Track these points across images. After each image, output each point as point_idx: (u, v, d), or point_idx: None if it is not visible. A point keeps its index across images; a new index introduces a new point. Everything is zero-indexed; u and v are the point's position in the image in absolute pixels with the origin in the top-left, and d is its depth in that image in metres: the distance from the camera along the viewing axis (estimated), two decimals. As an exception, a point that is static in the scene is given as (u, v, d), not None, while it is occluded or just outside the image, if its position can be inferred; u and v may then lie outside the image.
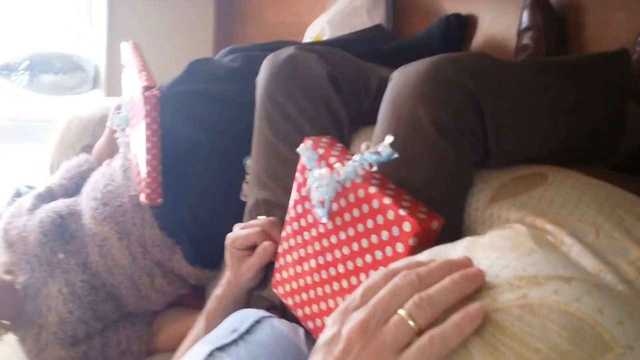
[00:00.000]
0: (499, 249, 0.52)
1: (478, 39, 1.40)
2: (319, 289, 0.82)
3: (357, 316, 0.49)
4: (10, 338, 1.38)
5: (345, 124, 1.01)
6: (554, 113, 0.77)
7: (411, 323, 0.47)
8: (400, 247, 0.68)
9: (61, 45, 2.46)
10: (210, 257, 1.33)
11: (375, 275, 0.53)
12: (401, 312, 0.48)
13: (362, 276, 0.74)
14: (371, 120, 0.89)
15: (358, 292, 0.52)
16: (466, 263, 0.51)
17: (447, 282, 0.48)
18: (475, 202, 0.74)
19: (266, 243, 0.94)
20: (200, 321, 1.06)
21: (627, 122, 0.86)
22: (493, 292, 0.47)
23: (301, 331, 0.86)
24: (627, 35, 1.10)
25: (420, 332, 0.47)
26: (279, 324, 0.84)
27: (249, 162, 1.19)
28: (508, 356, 0.43)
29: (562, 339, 0.43)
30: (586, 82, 0.82)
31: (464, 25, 1.42)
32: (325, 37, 1.63)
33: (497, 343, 0.44)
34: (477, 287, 0.48)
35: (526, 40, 1.20)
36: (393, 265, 0.53)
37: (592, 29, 1.15)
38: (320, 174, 0.76)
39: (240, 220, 1.08)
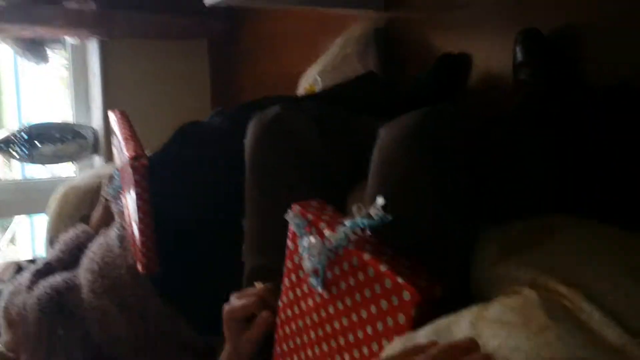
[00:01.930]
0: (508, 325, 0.47)
1: (474, 77, 1.36)
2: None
3: None
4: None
5: (338, 181, 0.96)
6: (550, 160, 0.73)
7: None
8: (401, 319, 0.63)
9: (59, 115, 2.47)
10: (214, 322, 1.28)
11: None
12: None
13: (365, 349, 0.68)
14: (366, 174, 0.84)
15: None
16: (471, 346, 0.45)
17: None
18: (481, 260, 0.68)
19: (264, 313, 0.88)
20: None
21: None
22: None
23: None
24: (626, 62, 1.06)
25: None
26: None
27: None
28: None
29: None
30: (581, 123, 0.77)
31: (456, 66, 1.38)
32: (318, 88, 1.60)
33: None
34: None
35: (523, 75, 1.15)
36: (388, 353, 0.48)
37: (592, 57, 1.11)
38: (310, 244, 0.71)
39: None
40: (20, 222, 3.46)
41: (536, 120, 0.79)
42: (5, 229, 3.66)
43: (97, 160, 2.40)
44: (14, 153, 2.20)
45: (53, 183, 2.36)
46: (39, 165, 2.30)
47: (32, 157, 2.21)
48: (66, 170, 2.51)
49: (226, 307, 0.94)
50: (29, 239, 3.29)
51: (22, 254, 3.85)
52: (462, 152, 0.68)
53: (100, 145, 2.35)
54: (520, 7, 1.25)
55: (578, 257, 0.59)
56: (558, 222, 0.67)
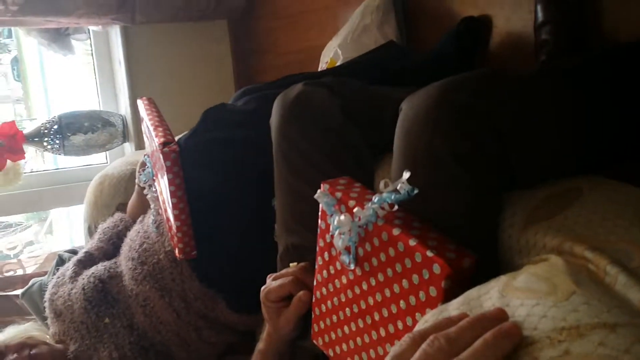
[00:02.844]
0: (536, 293, 0.48)
1: (495, 40, 1.34)
2: (358, 339, 0.78)
3: None
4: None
5: (365, 156, 0.97)
6: (575, 120, 0.72)
7: None
8: (433, 292, 0.64)
9: (86, 102, 2.50)
10: (254, 302, 1.31)
11: (402, 341, 0.48)
12: None
13: (399, 324, 0.70)
14: (391, 147, 0.85)
15: None
16: (500, 316, 0.46)
17: (480, 345, 0.44)
18: (509, 228, 0.68)
19: (301, 293, 0.90)
20: None
21: None
22: (532, 350, 0.43)
23: None
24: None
25: None
26: None
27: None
28: None
29: (615, 401, 0.38)
30: (605, 80, 0.76)
31: (477, 29, 1.36)
32: (339, 61, 1.60)
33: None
34: (513, 345, 0.44)
35: (544, 35, 1.14)
36: (420, 327, 0.49)
37: (613, 14, 1.08)
38: (340, 221, 0.72)
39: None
40: (56, 213, 3.53)
41: (560, 79, 0.77)
42: (43, 220, 3.75)
43: (128, 147, 2.44)
44: (46, 145, 2.24)
45: (86, 172, 2.42)
46: (70, 157, 2.33)
47: (63, 148, 2.25)
48: (98, 159, 2.55)
49: (263, 289, 0.96)
50: (65, 228, 3.36)
51: (60, 244, 3.95)
52: (485, 120, 0.68)
53: (130, 132, 2.38)
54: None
55: (603, 220, 0.59)
56: (583, 184, 0.67)
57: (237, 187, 1.27)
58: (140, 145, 2.32)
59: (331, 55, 1.62)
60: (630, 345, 0.40)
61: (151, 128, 1.25)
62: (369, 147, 0.98)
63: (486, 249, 0.68)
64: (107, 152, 2.46)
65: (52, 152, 2.26)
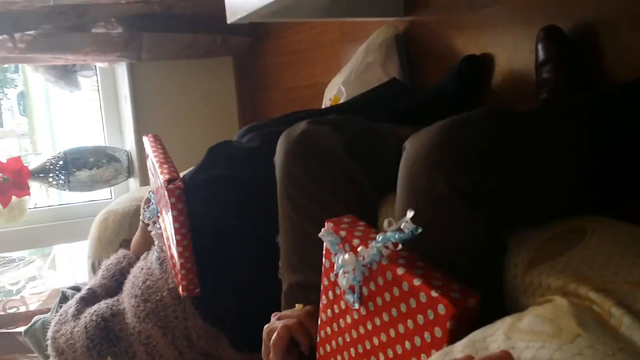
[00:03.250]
0: (540, 335, 0.47)
1: (497, 78, 1.36)
2: None
3: None
4: None
5: (368, 194, 0.97)
6: (578, 159, 0.72)
7: None
8: (438, 332, 0.63)
9: (91, 138, 2.52)
10: (257, 340, 1.30)
11: None
12: None
13: (404, 364, 0.70)
14: (395, 184, 0.85)
15: None
16: (506, 359, 0.46)
17: None
18: (513, 267, 0.69)
19: (302, 342, 0.90)
20: None
21: None
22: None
23: None
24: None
25: None
26: None
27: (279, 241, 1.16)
28: None
29: None
30: (607, 119, 0.77)
31: (478, 67, 1.38)
32: (342, 98, 1.61)
33: None
34: None
35: (545, 74, 1.15)
36: None
37: (613, 54, 1.10)
38: (344, 260, 0.73)
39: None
40: (59, 248, 3.52)
41: (562, 117, 0.78)
42: (46, 255, 3.74)
43: (132, 182, 2.45)
44: (52, 181, 2.25)
45: (90, 208, 2.42)
46: (76, 192, 2.34)
47: (68, 184, 2.26)
48: (102, 195, 2.56)
49: (266, 329, 0.96)
50: (69, 264, 3.35)
51: (63, 279, 3.93)
52: (488, 159, 0.68)
53: (135, 167, 2.40)
54: (539, 6, 1.25)
55: (607, 262, 0.59)
56: (587, 224, 0.68)
57: (241, 224, 1.27)
58: (145, 181, 2.34)
59: (335, 92, 1.64)
60: (637, 390, 0.40)
61: (156, 165, 1.26)
62: (373, 186, 0.98)
63: (491, 289, 0.68)
64: (111, 187, 2.47)
65: (57, 188, 2.27)
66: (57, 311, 1.56)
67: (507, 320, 0.54)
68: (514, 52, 1.32)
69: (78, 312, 1.44)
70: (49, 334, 1.45)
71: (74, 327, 1.40)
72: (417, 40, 1.59)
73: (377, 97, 1.41)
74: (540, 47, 1.17)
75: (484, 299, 0.64)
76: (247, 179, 1.27)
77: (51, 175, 2.24)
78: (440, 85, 1.43)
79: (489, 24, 1.37)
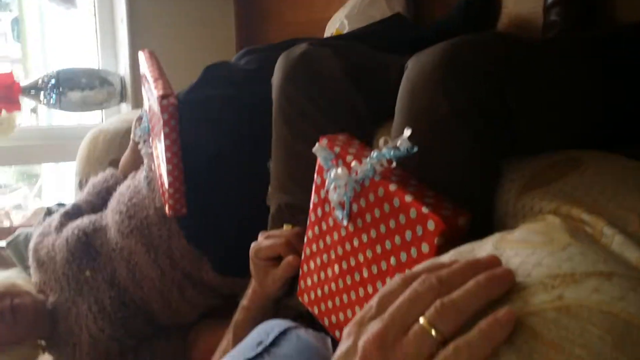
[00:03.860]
0: (531, 244, 0.47)
1: (503, 20, 1.33)
2: (344, 296, 0.78)
3: (374, 327, 0.44)
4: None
5: (364, 118, 0.96)
6: (584, 93, 0.71)
7: (433, 333, 0.42)
8: (425, 248, 0.63)
9: (86, 61, 2.47)
10: (239, 265, 1.30)
11: (393, 281, 0.48)
12: (422, 320, 0.43)
13: (388, 280, 0.69)
14: (392, 111, 0.84)
15: (374, 301, 0.47)
16: (493, 262, 0.46)
17: (471, 285, 0.43)
18: (506, 193, 0.68)
19: (290, 257, 0.90)
20: (228, 333, 1.03)
21: None
22: (525, 294, 0.42)
23: (329, 340, 0.81)
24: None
25: (444, 342, 0.42)
26: (305, 335, 0.80)
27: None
28: (545, 368, 0.38)
29: (607, 344, 0.37)
30: (616, 57, 0.75)
31: (486, 6, 1.35)
32: (345, 32, 1.58)
33: (531, 352, 0.39)
34: (506, 289, 0.43)
35: (553, 16, 1.13)
36: (412, 269, 0.48)
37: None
38: (337, 175, 0.72)
39: (267, 224, 1.04)
40: (46, 176, 3.50)
41: (574, 48, 0.76)
42: (32, 183, 3.72)
43: (124, 108, 2.42)
44: (43, 99, 2.21)
45: (79, 131, 2.39)
46: (67, 112, 2.31)
47: (60, 103, 2.22)
48: (93, 120, 2.53)
49: (254, 246, 0.96)
50: (55, 192, 3.32)
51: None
52: (492, 81, 0.67)
53: (128, 92, 2.36)
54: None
55: (602, 189, 0.59)
56: (584, 155, 0.67)
57: (232, 146, 1.26)
58: (137, 105, 2.30)
59: (337, 25, 1.61)
60: (626, 292, 0.39)
61: (151, 80, 1.24)
62: (370, 112, 0.97)
63: (481, 212, 0.68)
64: (103, 110, 2.44)
65: (48, 106, 2.24)
66: (41, 224, 1.55)
67: (497, 235, 0.53)
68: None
69: (61, 225, 1.43)
70: (31, 245, 1.45)
71: (55, 240, 1.39)
72: (424, -23, 1.55)
73: (380, 30, 1.38)
74: (550, -12, 1.15)
75: (474, 221, 0.64)
76: (242, 101, 1.25)
77: (43, 92, 2.21)
78: (445, 20, 1.40)
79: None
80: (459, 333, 0.42)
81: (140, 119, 1.42)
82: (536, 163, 0.69)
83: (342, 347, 0.46)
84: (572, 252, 0.44)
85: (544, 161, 0.68)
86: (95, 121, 2.51)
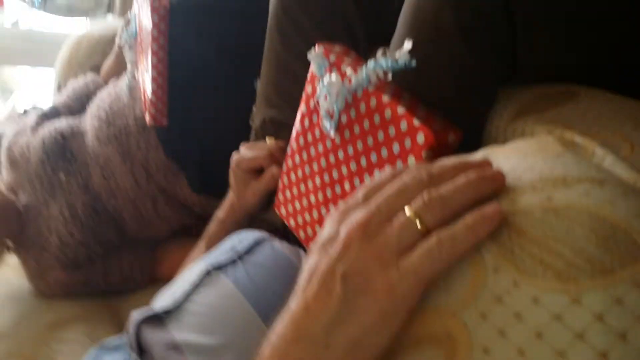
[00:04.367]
0: (523, 150, 0.47)
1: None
2: (323, 209, 0.77)
3: (358, 215, 0.44)
4: (13, 260, 1.36)
5: (361, 39, 0.94)
6: (593, 25, 0.69)
7: (418, 223, 0.42)
8: (412, 161, 0.63)
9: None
10: (216, 185, 1.29)
11: (382, 173, 0.47)
12: (407, 210, 0.42)
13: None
14: (389, 39, 0.82)
15: (361, 191, 0.47)
16: (484, 163, 0.45)
17: (461, 181, 0.43)
18: (498, 118, 0.67)
19: (274, 169, 0.89)
20: (201, 244, 1.03)
21: None
22: (513, 194, 0.42)
23: (302, 253, 0.81)
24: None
25: (428, 234, 0.42)
26: (279, 246, 0.80)
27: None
28: (526, 262, 0.38)
29: (590, 243, 0.37)
30: None
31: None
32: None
33: (514, 247, 0.39)
34: (495, 189, 0.43)
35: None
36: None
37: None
38: (330, 82, 0.70)
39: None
40: (21, 92, 3.40)
41: None
42: (6, 99, 3.61)
43: (111, 19, 2.35)
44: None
45: (62, 38, 2.32)
46: (52, 15, 2.24)
47: (45, 4, 2.16)
48: (78, 28, 2.46)
49: (235, 156, 0.94)
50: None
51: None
52: (500, 4, 0.65)
53: (116, 3, 2.29)
54: None
55: (597, 117, 0.58)
56: (582, 89, 0.66)
57: (222, 60, 1.23)
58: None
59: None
60: (616, 198, 0.39)
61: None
62: (366, 33, 0.95)
63: (472, 133, 0.67)
64: (88, 19, 2.37)
65: (31, 6, 2.16)
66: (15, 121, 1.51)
67: (487, 149, 0.53)
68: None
69: (37, 126, 1.40)
70: (4, 143, 1.41)
71: (31, 140, 1.36)
72: None
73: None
74: None
75: (463, 141, 0.63)
76: (236, 11, 1.22)
77: (28, -7, 2.14)
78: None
79: None
80: (444, 227, 0.42)
81: (128, 22, 1.37)
82: (531, 92, 0.68)
83: (324, 234, 0.45)
84: (565, 159, 0.43)
85: (540, 90, 0.67)
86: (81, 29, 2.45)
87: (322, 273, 0.42)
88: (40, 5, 2.15)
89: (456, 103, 0.67)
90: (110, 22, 2.02)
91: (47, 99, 1.90)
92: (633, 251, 0.36)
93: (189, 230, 1.39)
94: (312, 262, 0.44)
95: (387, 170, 0.47)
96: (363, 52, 0.95)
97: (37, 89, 2.91)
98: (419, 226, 0.42)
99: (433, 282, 0.41)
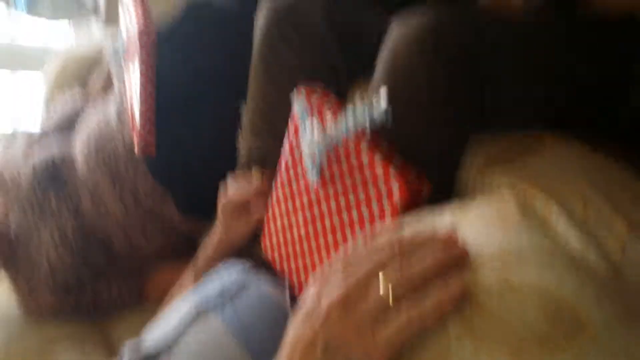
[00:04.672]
0: (485, 218, 0.51)
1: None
2: (305, 244, 0.82)
3: (338, 290, 0.49)
4: (2, 282, 1.38)
5: (342, 75, 0.98)
6: (555, 75, 0.74)
7: (391, 302, 0.47)
8: (387, 207, 0.67)
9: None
10: (203, 207, 1.32)
11: (359, 246, 0.52)
12: (382, 290, 0.48)
13: (348, 232, 0.74)
14: (370, 72, 0.86)
15: (339, 264, 0.51)
16: (452, 239, 0.50)
17: (430, 263, 0.48)
18: (468, 165, 0.72)
19: (261, 203, 0.93)
20: (190, 274, 1.06)
21: (631, 86, 0.83)
22: (475, 267, 0.47)
23: (287, 292, 0.85)
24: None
25: (398, 303, 0.47)
26: (265, 287, 0.83)
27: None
28: (486, 335, 0.43)
29: (539, 319, 0.42)
30: (593, 42, 0.78)
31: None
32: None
33: (474, 317, 0.44)
34: (461, 267, 0.48)
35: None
36: (377, 235, 0.53)
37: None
38: (311, 126, 0.74)
39: (235, 168, 1.07)
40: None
41: (548, 31, 0.79)
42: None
43: (94, 25, 2.35)
44: (13, 2, 2.15)
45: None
46: (35, 18, 2.25)
47: (29, 8, 2.16)
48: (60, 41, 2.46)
49: (223, 190, 0.98)
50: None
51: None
52: (472, 56, 0.70)
53: (100, 6, 2.29)
54: None
55: (560, 172, 0.63)
56: (546, 138, 0.71)
57: (208, 88, 1.26)
58: (109, 21, 2.24)
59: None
60: (563, 274, 0.44)
61: (131, 8, 1.22)
62: (348, 71, 0.99)
63: (444, 179, 0.72)
64: (72, 24, 2.37)
65: (16, 8, 2.17)
66: (5, 146, 1.53)
67: (455, 204, 0.58)
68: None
69: (28, 150, 1.41)
70: None
71: (21, 165, 1.38)
72: None
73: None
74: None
75: (436, 189, 0.68)
76: (222, 41, 1.25)
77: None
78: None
79: None
80: (414, 300, 0.47)
81: (115, 40, 1.39)
82: (500, 140, 0.73)
83: (307, 303, 0.50)
84: (522, 231, 0.48)
85: (507, 139, 0.72)
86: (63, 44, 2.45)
87: (306, 343, 0.47)
88: (24, 8, 2.15)
89: (429, 149, 0.72)
90: (94, 33, 2.03)
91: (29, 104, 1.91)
92: (575, 325, 0.42)
93: (178, 252, 1.42)
94: (297, 332, 0.49)
95: (364, 242, 0.52)
96: (344, 84, 0.99)
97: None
98: (391, 303, 0.47)
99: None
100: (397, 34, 0.74)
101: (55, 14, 2.25)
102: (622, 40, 0.81)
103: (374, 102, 0.68)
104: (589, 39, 0.80)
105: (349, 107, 0.72)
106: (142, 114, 1.16)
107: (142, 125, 1.17)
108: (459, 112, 0.70)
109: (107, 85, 1.50)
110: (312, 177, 0.77)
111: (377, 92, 0.70)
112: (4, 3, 2.17)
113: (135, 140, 1.21)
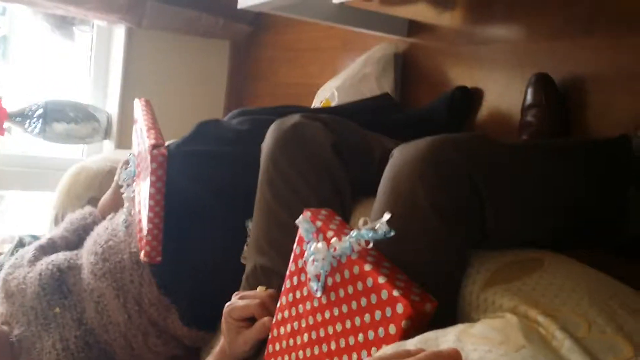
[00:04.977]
0: (489, 341, 0.52)
1: (483, 113, 1.42)
2: None
3: None
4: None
5: (346, 194, 1.01)
6: (552, 198, 0.78)
7: None
8: (392, 329, 0.68)
9: (76, 94, 2.51)
10: (206, 319, 1.32)
11: None
12: None
13: (354, 356, 0.73)
14: (372, 190, 0.89)
15: None
16: (454, 356, 0.50)
17: None
18: (471, 284, 0.73)
19: (266, 319, 0.93)
20: None
21: (628, 208, 0.86)
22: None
23: None
24: (629, 117, 1.11)
25: None
26: None
27: (251, 225, 1.19)
28: None
29: None
30: (586, 167, 0.82)
31: (469, 99, 1.44)
32: (334, 102, 1.65)
33: None
34: None
35: (529, 117, 1.21)
36: (382, 354, 0.53)
37: (595, 110, 1.17)
38: (316, 248, 0.76)
39: (239, 282, 1.07)
40: (9, 202, 3.44)
41: (545, 156, 0.82)
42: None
43: (107, 145, 2.45)
44: (28, 127, 2.24)
45: (59, 162, 2.41)
46: (49, 142, 2.33)
47: (44, 133, 2.25)
48: (74, 154, 2.55)
49: (228, 305, 0.99)
50: (17, 217, 3.26)
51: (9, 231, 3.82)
52: (469, 183, 0.73)
53: (113, 130, 2.40)
54: (535, 53, 1.31)
55: (558, 293, 0.64)
56: (546, 257, 0.73)
57: (215, 202, 1.29)
58: (120, 145, 2.34)
59: (328, 95, 1.68)
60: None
61: (144, 128, 1.28)
62: (352, 189, 1.02)
63: (447, 300, 0.73)
64: (85, 145, 2.46)
65: (32, 135, 2.25)
66: (12, 254, 1.55)
67: (460, 326, 0.58)
68: (503, 91, 1.38)
69: (35, 259, 1.44)
70: (1, 274, 1.45)
71: (27, 273, 1.39)
72: (414, 62, 1.64)
73: (368, 107, 1.45)
74: (529, 91, 1.23)
75: (440, 308, 0.69)
76: (230, 160, 1.30)
77: (28, 121, 2.23)
78: (430, 108, 1.48)
79: (485, 61, 1.43)
80: None
81: (127, 162, 1.45)
82: (501, 258, 0.74)
83: None
84: (524, 356, 0.48)
85: (507, 258, 0.74)
86: (75, 156, 2.53)
87: None
88: (39, 134, 2.24)
89: (432, 269, 0.73)
90: (107, 152, 2.11)
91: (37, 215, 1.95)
92: None
93: (179, 360, 1.40)
94: None
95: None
96: (347, 202, 1.02)
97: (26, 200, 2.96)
98: None
99: None
100: (398, 159, 0.78)
101: (69, 140, 2.34)
102: (615, 161, 0.85)
103: (377, 226, 0.71)
104: (586, 160, 0.84)
105: (354, 230, 0.74)
106: (150, 220, 1.19)
107: (149, 231, 1.20)
108: (460, 233, 0.72)
109: (117, 204, 1.54)
110: (317, 295, 0.78)
111: (380, 215, 0.72)
112: (20, 127, 2.26)
113: (142, 246, 1.23)
